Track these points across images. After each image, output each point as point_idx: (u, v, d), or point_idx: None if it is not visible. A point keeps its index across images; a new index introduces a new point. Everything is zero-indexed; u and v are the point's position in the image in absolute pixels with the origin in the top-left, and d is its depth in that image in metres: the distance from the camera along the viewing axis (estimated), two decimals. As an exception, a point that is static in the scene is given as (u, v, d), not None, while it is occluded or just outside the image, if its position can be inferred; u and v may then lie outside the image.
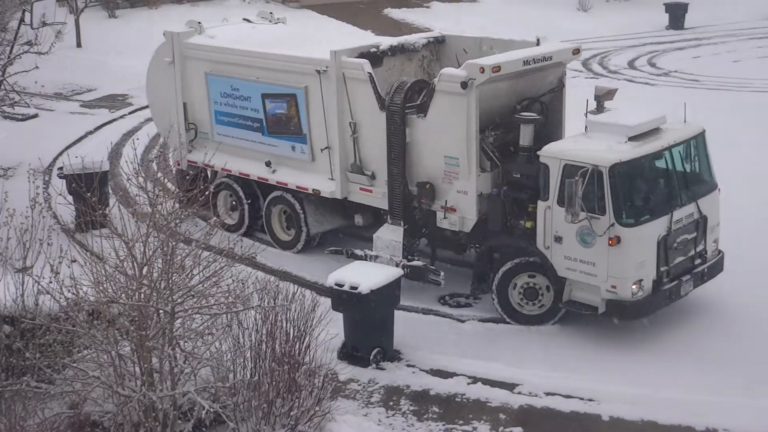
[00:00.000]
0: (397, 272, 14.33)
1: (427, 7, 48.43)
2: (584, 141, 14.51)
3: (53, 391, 11.01)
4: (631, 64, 35.57)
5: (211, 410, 10.69)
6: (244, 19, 20.36)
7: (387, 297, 13.91)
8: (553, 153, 14.29)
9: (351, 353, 14.05)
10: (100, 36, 39.89)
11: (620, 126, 14.41)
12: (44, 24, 27.42)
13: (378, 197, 16.43)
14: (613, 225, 13.65)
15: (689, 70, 34.43)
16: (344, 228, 18.40)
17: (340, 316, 13.88)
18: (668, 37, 42.36)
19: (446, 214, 15.57)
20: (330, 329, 12.11)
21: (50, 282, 11.05)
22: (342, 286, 13.72)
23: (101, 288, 10.79)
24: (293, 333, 11.42)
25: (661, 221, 14.09)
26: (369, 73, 16.14)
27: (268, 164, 17.93)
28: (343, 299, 13.73)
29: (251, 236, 18.61)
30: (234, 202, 19.13)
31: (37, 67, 25.63)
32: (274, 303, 11.31)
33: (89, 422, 10.95)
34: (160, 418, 10.67)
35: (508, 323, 15.12)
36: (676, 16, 44.88)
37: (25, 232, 11.84)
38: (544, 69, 15.92)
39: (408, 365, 14.08)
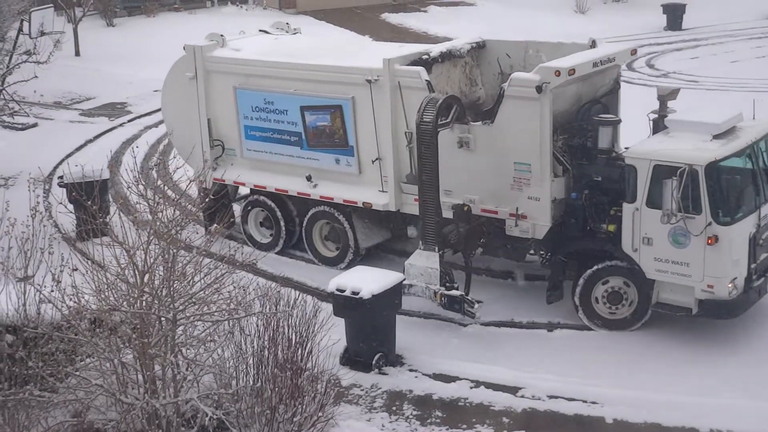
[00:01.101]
0: (399, 277, 14.27)
1: (425, 11, 48.51)
2: (669, 141, 14.32)
3: (56, 399, 10.98)
4: (629, 66, 35.49)
5: (214, 417, 10.69)
6: (260, 31, 19.92)
7: (388, 302, 13.90)
8: (641, 154, 14.07)
9: (353, 359, 14.04)
10: (99, 44, 39.98)
11: (706, 124, 14.24)
12: (43, 33, 27.48)
13: None
14: (710, 224, 13.49)
15: (688, 71, 34.41)
16: (388, 244, 17.93)
17: (341, 321, 13.85)
18: (666, 38, 42.36)
19: (517, 222, 15.19)
20: (332, 335, 12.10)
21: (52, 291, 11.05)
22: (343, 291, 13.71)
23: (103, 296, 10.78)
24: (295, 339, 11.41)
25: (752, 218, 14.02)
26: (426, 80, 15.73)
27: (308, 179, 17.35)
28: (345, 305, 13.72)
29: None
30: (265, 220, 18.61)
31: (36, 77, 25.68)
32: (276, 309, 11.30)
33: (93, 430, 10.93)
34: (164, 426, 10.67)
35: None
36: (674, 17, 44.90)
37: (26, 241, 11.83)
38: (602, 71, 15.80)
39: (410, 370, 14.07)
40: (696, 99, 26.17)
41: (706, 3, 48.61)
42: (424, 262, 15.13)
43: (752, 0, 48.67)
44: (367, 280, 13.86)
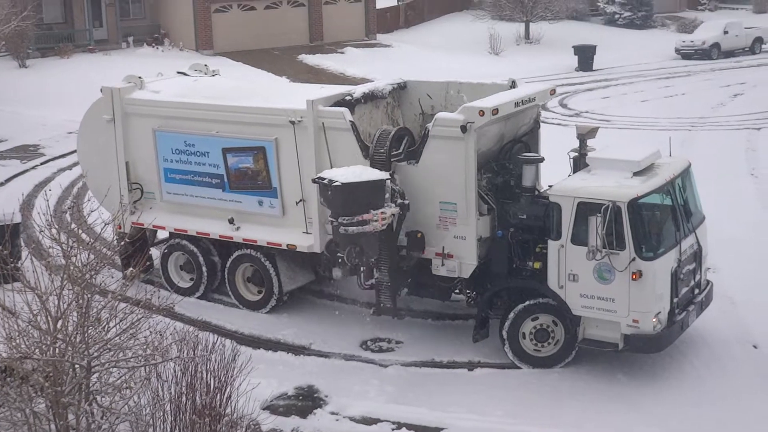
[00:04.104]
0: (381, 176, 14.63)
1: (341, 52, 48.80)
2: (592, 178, 14.54)
3: (-35, 452, 10.68)
4: (543, 106, 36.12)
5: (131, 466, 10.48)
6: (179, 72, 19.54)
7: (363, 192, 14.27)
8: (565, 191, 14.23)
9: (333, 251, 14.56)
10: (11, 86, 39.42)
11: (627, 162, 14.50)
12: (-49, 74, 27.00)
13: None
14: (634, 260, 13.68)
15: (599, 110, 35.19)
16: (310, 285, 17.77)
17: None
18: (578, 79, 43.32)
19: (444, 261, 15.23)
20: (251, 379, 11.95)
21: (-40, 339, 10.76)
22: (324, 179, 14.24)
23: (14, 344, 10.52)
24: (214, 384, 11.23)
25: (673, 253, 14.24)
26: (351, 121, 15.71)
27: (231, 221, 17.13)
28: (323, 189, 14.44)
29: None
30: (185, 264, 18.22)
31: (-56, 119, 25.18)
32: (194, 354, 11.13)
33: (3, 483, 10.65)
34: (78, 477, 10.41)
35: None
36: (585, 58, 46.02)
37: (-66, 287, 11.52)
38: (524, 110, 15.96)
39: (331, 413, 13.93)
40: (609, 138, 26.68)
41: (615, 44, 49.95)
42: None
43: (659, 42, 50.14)
44: (349, 174, 14.44)
